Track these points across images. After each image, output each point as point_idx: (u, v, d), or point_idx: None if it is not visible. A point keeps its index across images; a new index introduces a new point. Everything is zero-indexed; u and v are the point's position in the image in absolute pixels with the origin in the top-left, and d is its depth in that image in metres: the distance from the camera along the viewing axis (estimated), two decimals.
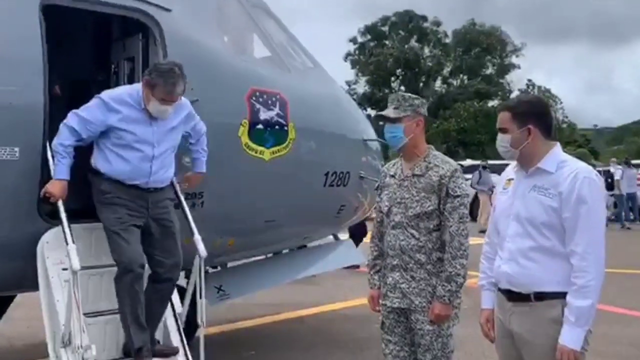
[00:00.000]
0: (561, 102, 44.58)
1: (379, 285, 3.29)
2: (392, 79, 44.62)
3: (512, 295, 2.73)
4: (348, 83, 44.23)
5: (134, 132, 3.65)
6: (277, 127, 4.58)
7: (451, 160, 3.23)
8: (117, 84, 4.39)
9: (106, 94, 3.71)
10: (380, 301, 3.27)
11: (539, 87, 44.67)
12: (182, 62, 3.69)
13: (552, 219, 2.62)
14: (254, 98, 4.45)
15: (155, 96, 3.63)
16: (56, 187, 3.51)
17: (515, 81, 44.35)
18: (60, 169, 3.54)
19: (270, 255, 6.01)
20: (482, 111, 40.55)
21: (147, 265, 3.73)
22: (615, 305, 6.78)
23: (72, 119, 3.61)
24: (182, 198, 3.97)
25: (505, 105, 2.90)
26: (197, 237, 3.83)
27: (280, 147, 4.61)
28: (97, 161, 3.69)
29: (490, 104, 42.43)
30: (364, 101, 41.91)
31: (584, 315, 2.57)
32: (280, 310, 7.10)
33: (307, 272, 5.92)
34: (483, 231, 5.58)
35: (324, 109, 5.13)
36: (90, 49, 4.97)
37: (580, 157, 9.89)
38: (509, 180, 2.85)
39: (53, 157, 3.57)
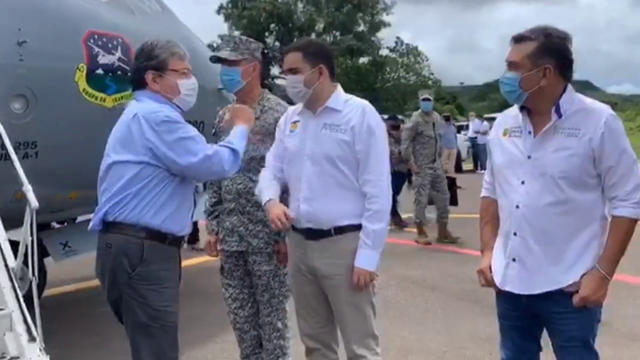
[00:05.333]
0: (428, 60, 46.31)
1: (217, 230, 3.26)
2: (266, 34, 44.09)
3: (312, 233, 2.80)
4: (221, 37, 43.21)
5: None
6: (119, 72, 4.33)
7: (283, 102, 3.22)
8: None
9: None
10: (219, 246, 3.25)
11: (407, 45, 46.10)
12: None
13: (346, 153, 2.73)
14: (91, 41, 4.17)
15: None
16: None
17: (386, 39, 45.43)
18: None
19: None
20: (354, 67, 41.29)
21: None
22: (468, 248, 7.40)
23: None
24: (10, 148, 3.67)
25: (296, 45, 2.88)
26: (27, 187, 3.57)
27: (124, 94, 4.35)
28: None
29: (362, 60, 43.27)
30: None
31: (379, 238, 2.76)
32: None
33: None
34: None
35: None
36: None
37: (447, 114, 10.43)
38: (295, 122, 2.88)
39: None
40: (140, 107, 2.60)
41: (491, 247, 2.55)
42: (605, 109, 2.35)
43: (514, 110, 2.51)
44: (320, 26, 44.85)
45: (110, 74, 4.27)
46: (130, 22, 4.60)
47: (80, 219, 5.74)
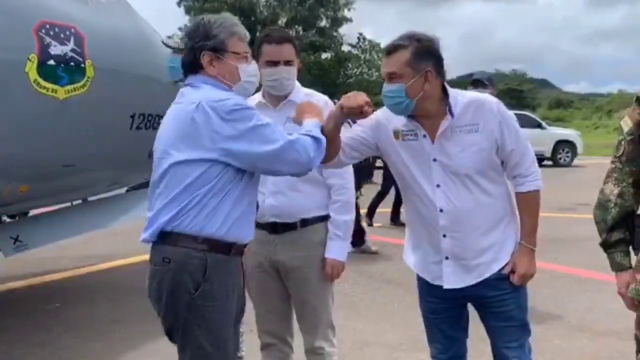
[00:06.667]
0: None
1: None
2: None
3: (277, 227, 2.80)
4: (182, 29, 42.64)
5: None
6: (72, 63, 4.23)
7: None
8: None
9: None
10: None
11: (370, 41, 46.27)
12: None
13: None
14: (43, 31, 4.06)
15: None
16: None
17: (348, 35, 45.53)
18: None
19: (77, 202, 5.69)
20: (316, 63, 41.28)
21: None
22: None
23: None
24: None
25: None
26: None
27: (76, 85, 4.28)
28: None
29: (324, 56, 43.30)
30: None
31: (349, 228, 2.81)
32: (91, 262, 6.83)
33: (115, 221, 5.66)
34: None
35: (128, 46, 4.83)
36: None
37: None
38: None
39: None
40: (201, 94, 2.20)
41: None
42: (489, 97, 2.42)
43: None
44: (283, 20, 44.67)
45: (62, 65, 4.17)
46: (83, 12, 4.49)
47: (32, 212, 5.63)
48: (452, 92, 2.36)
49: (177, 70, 3.07)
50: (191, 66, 2.32)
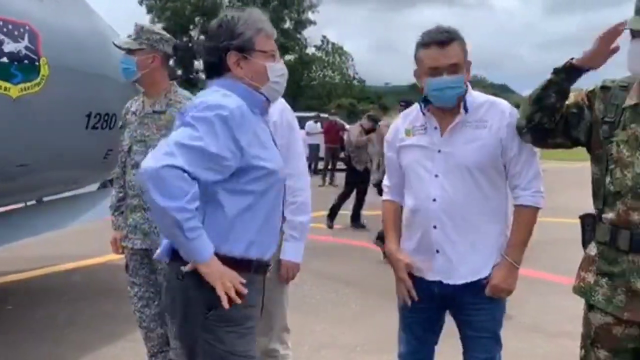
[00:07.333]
0: (353, 60, 46.84)
1: (123, 227, 3.18)
2: (191, 26, 43.37)
3: None
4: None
5: None
6: (25, 61, 4.14)
7: (191, 96, 3.18)
8: None
9: None
10: (123, 243, 3.17)
11: (333, 44, 46.48)
12: None
13: None
14: None
15: None
16: None
17: (312, 37, 45.64)
18: None
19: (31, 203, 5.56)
20: None
21: None
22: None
23: None
24: None
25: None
26: None
27: (30, 84, 4.19)
28: None
29: (288, 58, 43.26)
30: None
31: (305, 230, 2.82)
32: (48, 263, 6.69)
33: (74, 221, 5.55)
34: None
35: (84, 44, 4.75)
36: None
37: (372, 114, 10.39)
38: None
39: None
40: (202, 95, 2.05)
41: (398, 249, 2.57)
42: (504, 101, 2.48)
43: (412, 112, 2.57)
44: None
45: (15, 63, 4.08)
46: (38, 9, 4.40)
47: None
48: (470, 89, 2.43)
49: (131, 71, 3.05)
50: (215, 68, 2.13)
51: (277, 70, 2.17)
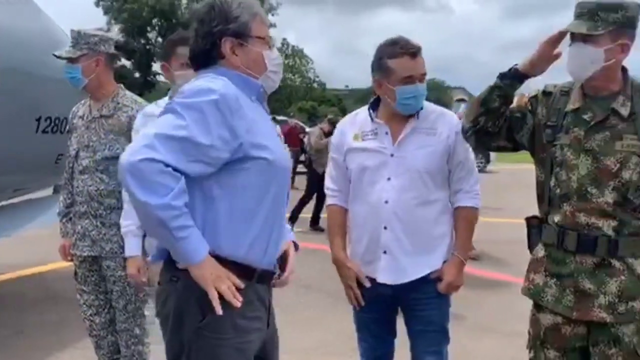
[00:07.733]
0: (312, 62, 46.96)
1: (71, 233, 3.12)
2: (149, 28, 42.83)
3: None
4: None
5: None
6: None
7: (139, 99, 3.14)
8: None
9: None
10: (71, 250, 3.11)
11: (293, 47, 46.50)
12: None
13: None
14: None
15: None
16: None
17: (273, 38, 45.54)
18: None
19: None
20: None
21: None
22: None
23: None
24: None
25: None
26: None
27: None
28: None
29: None
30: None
31: None
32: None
33: (19, 229, 5.40)
34: None
35: (34, 46, 4.63)
36: None
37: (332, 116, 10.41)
38: None
39: None
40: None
41: (347, 258, 2.66)
42: (450, 111, 2.67)
43: (359, 116, 2.66)
44: None
45: None
46: None
47: None
48: None
49: (77, 79, 2.99)
50: (207, 56, 1.90)
51: (274, 59, 2.00)
